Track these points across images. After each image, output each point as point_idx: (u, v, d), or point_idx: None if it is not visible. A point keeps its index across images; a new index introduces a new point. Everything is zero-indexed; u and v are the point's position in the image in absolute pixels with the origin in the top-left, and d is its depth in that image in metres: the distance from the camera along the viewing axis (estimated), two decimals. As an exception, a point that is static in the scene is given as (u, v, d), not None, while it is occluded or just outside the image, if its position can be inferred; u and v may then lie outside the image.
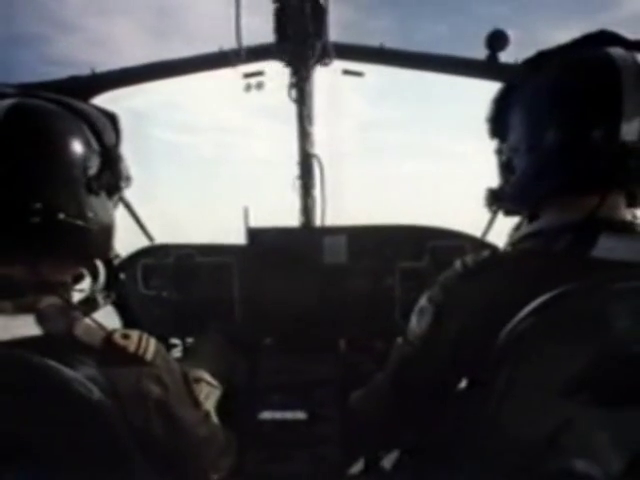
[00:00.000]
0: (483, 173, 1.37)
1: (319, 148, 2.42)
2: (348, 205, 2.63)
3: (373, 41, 2.09)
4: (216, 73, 2.13)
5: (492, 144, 1.35)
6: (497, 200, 1.34)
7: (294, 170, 2.45)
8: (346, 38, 2.06)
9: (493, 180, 1.34)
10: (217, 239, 2.50)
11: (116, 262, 1.47)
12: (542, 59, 1.20)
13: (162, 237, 2.62)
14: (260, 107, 2.18)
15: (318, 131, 2.40)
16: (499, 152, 1.31)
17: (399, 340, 1.34)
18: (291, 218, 2.54)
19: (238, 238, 2.37)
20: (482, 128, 1.36)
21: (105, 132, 1.29)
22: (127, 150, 1.38)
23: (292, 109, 2.28)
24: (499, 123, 1.29)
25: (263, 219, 2.38)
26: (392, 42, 2.06)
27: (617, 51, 1.10)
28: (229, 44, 1.91)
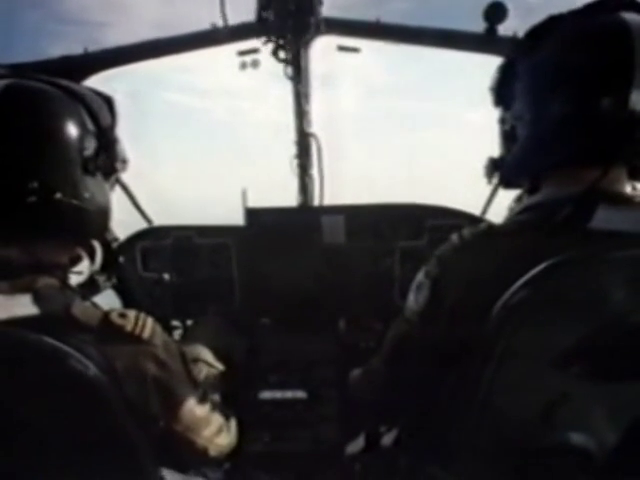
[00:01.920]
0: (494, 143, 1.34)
1: (330, 117, 2.40)
2: (355, 178, 2.60)
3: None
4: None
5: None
6: (497, 170, 1.32)
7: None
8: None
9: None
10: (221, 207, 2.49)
11: (115, 245, 1.47)
12: (552, 25, 1.16)
13: (162, 213, 2.62)
14: (274, 72, 2.14)
15: (330, 96, 2.37)
16: (502, 121, 1.28)
17: (396, 320, 1.33)
18: (290, 198, 2.53)
19: (238, 215, 2.37)
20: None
21: (101, 114, 1.28)
22: (137, 111, 1.37)
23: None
24: (504, 91, 1.25)
25: (262, 198, 2.37)
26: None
27: (632, 17, 1.05)
28: (237, 11, 1.88)
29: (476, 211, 2.50)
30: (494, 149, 1.33)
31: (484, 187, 1.43)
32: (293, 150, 2.43)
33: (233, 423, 1.48)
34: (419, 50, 2.16)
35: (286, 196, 2.52)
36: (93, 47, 2.04)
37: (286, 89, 2.27)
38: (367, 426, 1.67)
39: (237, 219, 2.37)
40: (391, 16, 2.06)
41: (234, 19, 1.95)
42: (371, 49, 2.18)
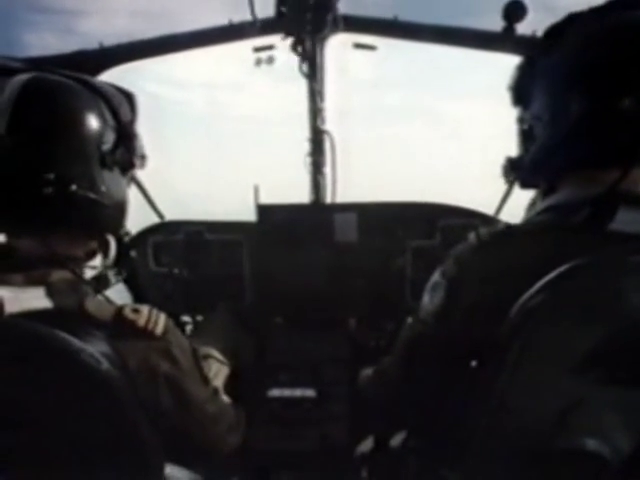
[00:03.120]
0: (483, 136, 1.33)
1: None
2: (355, 171, 2.59)
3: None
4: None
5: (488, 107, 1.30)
6: (515, 170, 1.30)
7: (292, 130, 2.42)
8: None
9: (493, 145, 1.30)
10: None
11: (126, 239, 1.47)
12: (572, 23, 1.14)
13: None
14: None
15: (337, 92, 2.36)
16: (520, 120, 1.26)
17: (409, 320, 1.32)
18: (300, 194, 2.53)
19: (243, 212, 2.36)
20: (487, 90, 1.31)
21: (121, 109, 1.28)
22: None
23: (291, 65, 2.20)
24: (522, 90, 1.24)
25: (272, 193, 2.36)
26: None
27: None
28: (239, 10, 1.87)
29: (485, 209, 2.48)
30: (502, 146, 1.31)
31: (493, 184, 1.41)
32: (305, 146, 2.42)
33: (243, 420, 1.48)
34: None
35: (298, 193, 2.52)
36: (68, 36, 2.03)
37: (280, 76, 2.25)
38: (377, 426, 1.66)
39: (248, 215, 2.38)
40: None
41: (246, 15, 1.94)
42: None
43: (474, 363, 1.04)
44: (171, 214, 2.65)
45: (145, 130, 1.41)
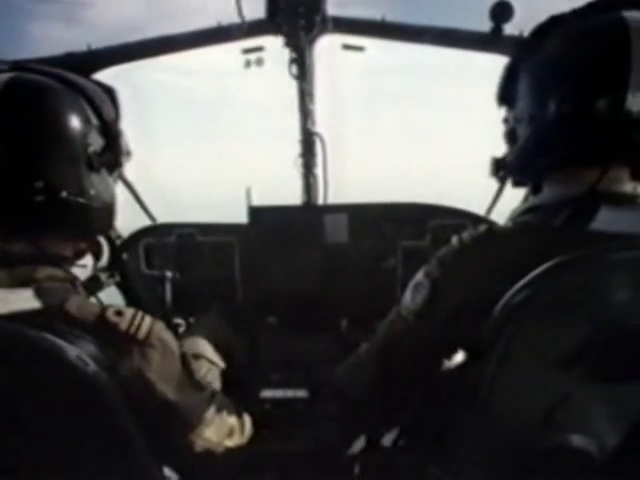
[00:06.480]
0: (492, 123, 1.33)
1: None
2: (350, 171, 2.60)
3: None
4: (213, 17, 2.06)
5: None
6: (500, 170, 1.32)
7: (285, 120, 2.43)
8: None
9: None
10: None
11: (118, 242, 1.46)
12: (553, 25, 1.15)
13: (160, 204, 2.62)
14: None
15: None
16: (505, 121, 1.28)
17: (389, 316, 1.32)
18: (293, 195, 2.53)
19: (235, 214, 2.37)
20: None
21: (104, 107, 1.27)
22: (125, 93, 1.36)
23: (282, 66, 2.21)
24: (508, 91, 1.25)
25: (264, 195, 2.37)
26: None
27: (633, 16, 1.03)
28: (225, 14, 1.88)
29: (476, 203, 2.49)
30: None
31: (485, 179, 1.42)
32: (297, 147, 2.43)
33: (247, 422, 1.46)
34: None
35: (290, 194, 2.53)
36: (73, 25, 2.04)
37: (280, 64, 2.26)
38: (366, 425, 1.66)
39: (240, 217, 2.38)
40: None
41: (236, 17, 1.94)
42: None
43: (456, 362, 1.05)
44: (163, 217, 2.65)
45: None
